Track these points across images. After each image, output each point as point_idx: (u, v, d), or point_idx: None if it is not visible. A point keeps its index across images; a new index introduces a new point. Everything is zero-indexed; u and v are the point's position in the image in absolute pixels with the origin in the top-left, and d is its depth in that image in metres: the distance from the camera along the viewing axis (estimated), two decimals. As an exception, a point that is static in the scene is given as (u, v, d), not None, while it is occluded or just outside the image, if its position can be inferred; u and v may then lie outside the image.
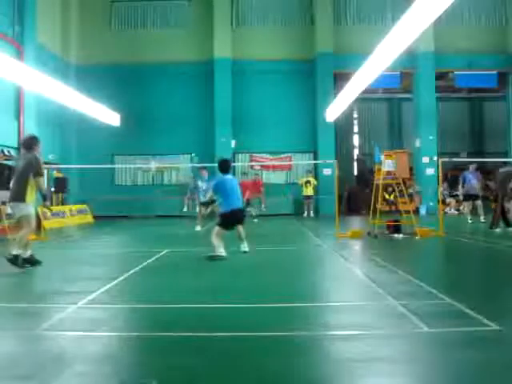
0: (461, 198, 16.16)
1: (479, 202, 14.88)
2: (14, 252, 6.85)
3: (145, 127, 20.93)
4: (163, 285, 5.97)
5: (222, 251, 7.98)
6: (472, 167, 15.19)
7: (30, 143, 7.41)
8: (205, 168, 14.42)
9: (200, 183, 13.92)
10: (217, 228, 8.20)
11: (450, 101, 25.38)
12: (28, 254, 7.14)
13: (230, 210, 8.26)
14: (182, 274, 6.79)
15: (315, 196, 21.14)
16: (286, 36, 21.99)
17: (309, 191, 19.84)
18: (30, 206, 7.12)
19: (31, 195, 7.12)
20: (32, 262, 7.14)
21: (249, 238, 8.68)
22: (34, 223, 7.19)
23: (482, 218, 14.52)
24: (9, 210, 7.86)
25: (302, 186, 19.98)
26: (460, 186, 15.19)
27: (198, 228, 13.43)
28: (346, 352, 3.38)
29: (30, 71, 12.73)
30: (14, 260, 6.81)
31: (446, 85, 22.69)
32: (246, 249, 8.57)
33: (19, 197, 7.00)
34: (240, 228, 8.58)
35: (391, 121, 27.15)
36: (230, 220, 8.31)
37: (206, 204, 13.96)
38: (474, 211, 14.99)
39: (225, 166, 8.58)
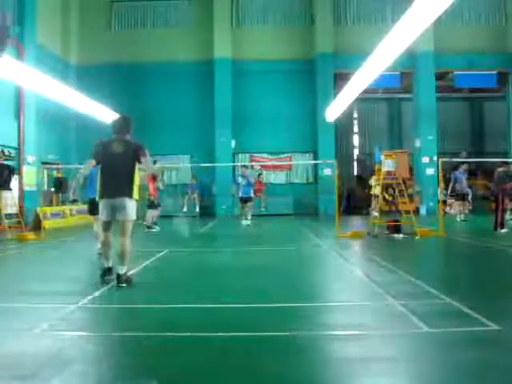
0: (446, 198, 16.85)
1: (467, 202, 15.80)
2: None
3: (145, 127, 20.81)
4: (163, 285, 5.96)
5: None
6: (463, 167, 15.71)
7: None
8: (245, 166, 16.22)
9: (240, 179, 14.92)
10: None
11: (449, 101, 25.34)
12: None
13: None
14: (182, 274, 6.79)
15: (316, 196, 21.18)
16: (286, 36, 22.00)
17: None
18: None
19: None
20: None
21: (248, 237, 8.67)
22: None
23: (463, 217, 15.46)
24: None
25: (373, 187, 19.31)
26: (454, 186, 15.43)
27: (248, 222, 14.55)
28: (346, 352, 3.38)
29: (30, 71, 12.73)
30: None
31: (445, 85, 22.67)
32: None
33: None
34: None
35: (391, 121, 27.13)
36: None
37: (243, 200, 14.60)
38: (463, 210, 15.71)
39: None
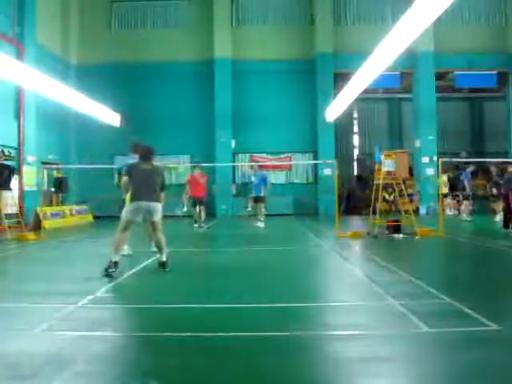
0: (453, 198, 17.10)
1: (468, 202, 16.05)
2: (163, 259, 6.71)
3: (145, 127, 20.88)
4: (163, 285, 5.97)
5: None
6: (470, 169, 16.02)
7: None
8: (260, 166, 16.33)
9: (254, 178, 14.67)
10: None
11: (449, 101, 25.34)
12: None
13: None
14: (182, 274, 6.78)
15: (316, 196, 21.17)
16: (286, 36, 22.00)
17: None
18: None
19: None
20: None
21: (248, 237, 8.66)
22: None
23: (465, 216, 15.64)
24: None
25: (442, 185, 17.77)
26: (469, 185, 15.62)
27: (262, 225, 13.97)
28: (346, 352, 3.38)
29: (30, 71, 12.73)
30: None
31: (445, 85, 22.68)
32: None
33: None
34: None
35: (391, 121, 27.12)
36: None
37: (259, 199, 14.21)
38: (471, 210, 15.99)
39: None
